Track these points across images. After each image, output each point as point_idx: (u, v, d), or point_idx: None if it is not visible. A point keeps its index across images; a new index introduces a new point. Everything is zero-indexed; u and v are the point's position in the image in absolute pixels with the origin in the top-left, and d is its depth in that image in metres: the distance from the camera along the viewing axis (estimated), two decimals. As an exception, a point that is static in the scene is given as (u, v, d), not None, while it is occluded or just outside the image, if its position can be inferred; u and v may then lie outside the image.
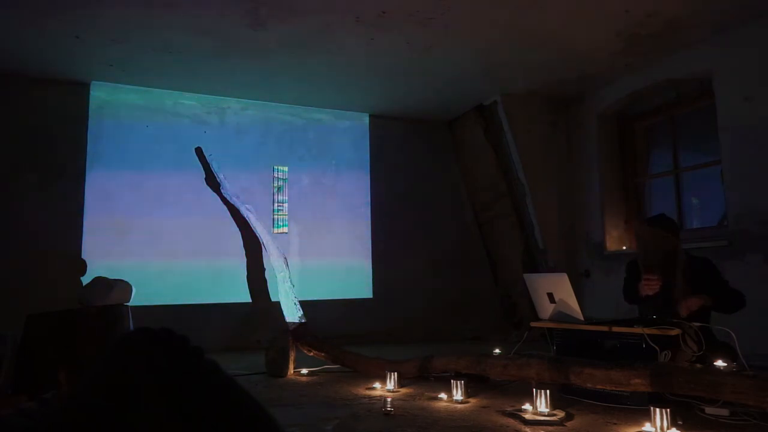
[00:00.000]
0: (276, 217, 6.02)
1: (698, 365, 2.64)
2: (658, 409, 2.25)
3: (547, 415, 2.53)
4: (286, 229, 6.01)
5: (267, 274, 4.57)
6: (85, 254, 5.10)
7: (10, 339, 2.88)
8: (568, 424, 2.47)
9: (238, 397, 0.88)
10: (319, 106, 6.26)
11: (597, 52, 4.84)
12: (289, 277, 4.46)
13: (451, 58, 4.92)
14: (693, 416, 2.47)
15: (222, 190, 4.65)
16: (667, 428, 2.22)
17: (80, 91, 5.36)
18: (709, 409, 2.49)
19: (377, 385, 3.38)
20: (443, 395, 3.00)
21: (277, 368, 3.92)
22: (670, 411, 2.25)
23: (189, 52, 4.71)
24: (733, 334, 2.75)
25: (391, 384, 3.30)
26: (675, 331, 2.74)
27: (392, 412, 2.70)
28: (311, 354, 4.09)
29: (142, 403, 0.80)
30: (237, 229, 4.63)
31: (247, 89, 5.69)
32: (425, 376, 3.52)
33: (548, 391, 2.60)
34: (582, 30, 4.42)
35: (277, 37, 4.44)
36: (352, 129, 6.50)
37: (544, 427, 2.44)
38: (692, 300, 2.95)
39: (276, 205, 6.05)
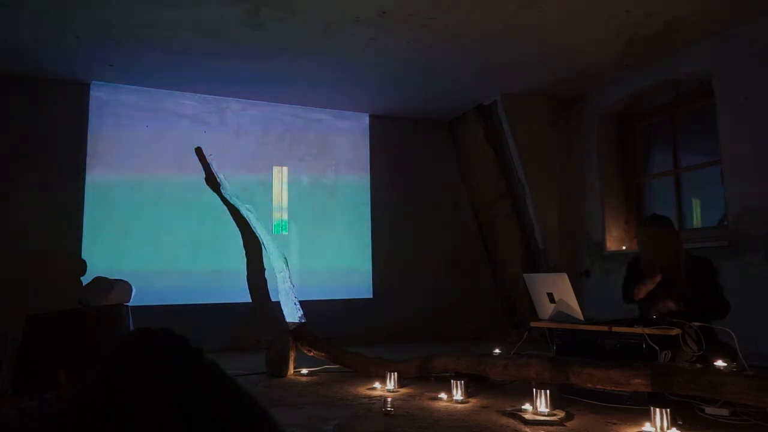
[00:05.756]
0: (276, 217, 6.02)
1: (698, 365, 2.64)
2: (658, 409, 2.25)
3: (547, 415, 2.53)
4: (285, 233, 6.02)
5: (267, 274, 4.57)
6: (85, 254, 5.10)
7: (10, 339, 2.88)
8: (568, 424, 2.47)
9: (238, 397, 0.88)
10: (319, 106, 6.26)
11: (597, 51, 4.84)
12: (289, 277, 4.46)
13: (451, 58, 4.92)
14: (693, 416, 2.47)
15: (222, 190, 4.65)
16: (667, 428, 2.22)
17: (80, 91, 5.36)
18: (709, 409, 2.49)
19: (377, 385, 3.37)
20: (443, 395, 3.00)
21: (277, 368, 3.92)
22: (670, 411, 2.25)
23: (189, 52, 4.71)
24: (733, 334, 2.75)
25: (391, 384, 3.30)
26: (675, 331, 2.74)
27: (392, 412, 2.70)
28: (311, 354, 4.09)
29: (143, 402, 0.80)
30: (237, 229, 4.63)
31: (247, 89, 5.68)
32: (425, 376, 3.52)
33: (548, 391, 2.60)
34: (582, 30, 4.42)
35: (277, 37, 4.45)
36: (352, 129, 6.49)
37: (544, 427, 2.44)
38: (665, 304, 3.01)
39: (276, 205, 6.06)
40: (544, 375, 2.86)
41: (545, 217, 5.91)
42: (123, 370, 0.83)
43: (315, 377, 3.86)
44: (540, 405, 2.57)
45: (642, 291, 3.10)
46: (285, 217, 6.07)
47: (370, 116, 6.54)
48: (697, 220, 5.29)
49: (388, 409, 2.71)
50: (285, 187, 6.13)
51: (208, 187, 4.69)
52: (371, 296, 6.27)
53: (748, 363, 2.70)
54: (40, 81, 5.19)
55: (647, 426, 2.27)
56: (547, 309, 3.21)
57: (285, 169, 6.15)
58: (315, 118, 6.31)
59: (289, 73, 5.25)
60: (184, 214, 5.61)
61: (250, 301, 4.65)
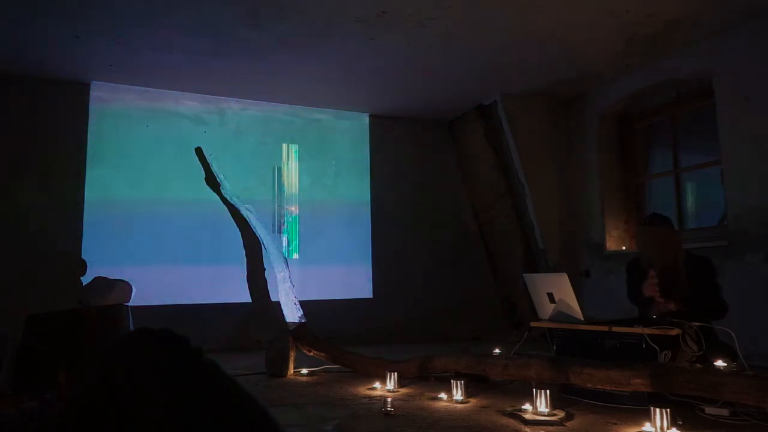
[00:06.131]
0: (279, 218, 6.03)
1: (698, 365, 2.64)
2: (658, 409, 2.25)
3: (547, 415, 2.53)
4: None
5: (267, 274, 4.57)
6: (85, 254, 5.09)
7: (10, 339, 2.88)
8: (568, 424, 2.47)
9: (238, 397, 0.88)
10: (319, 106, 6.26)
11: (597, 51, 4.84)
12: (289, 277, 4.46)
13: (451, 58, 4.92)
14: (693, 416, 2.47)
15: (222, 190, 4.65)
16: (667, 428, 2.22)
17: (80, 91, 5.36)
18: (709, 409, 2.49)
19: (377, 385, 3.38)
20: (443, 395, 3.00)
21: (277, 368, 3.92)
22: (670, 411, 2.25)
23: (189, 52, 4.71)
24: (733, 334, 2.74)
25: (391, 384, 3.30)
26: (675, 331, 2.74)
27: (392, 412, 2.70)
28: (311, 354, 4.09)
29: (143, 402, 0.80)
30: (237, 229, 4.63)
31: (247, 89, 5.68)
32: (425, 376, 3.52)
33: (548, 391, 2.60)
34: (582, 30, 4.42)
35: (277, 37, 4.45)
36: (352, 129, 6.49)
37: (544, 427, 2.44)
38: (665, 304, 3.00)
39: (277, 207, 6.07)
40: (544, 375, 2.86)
41: (545, 217, 5.91)
42: (123, 370, 0.83)
43: (315, 377, 3.86)
44: (540, 405, 2.57)
45: (654, 290, 3.07)
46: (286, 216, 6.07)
47: (370, 116, 6.54)
48: (695, 218, 5.29)
49: (388, 409, 2.71)
50: (285, 186, 6.12)
51: (208, 187, 4.69)
52: (371, 296, 6.27)
53: (748, 363, 2.69)
54: (40, 81, 5.18)
55: (647, 426, 2.27)
56: (547, 309, 3.21)
57: (285, 168, 6.15)
58: (315, 118, 6.31)
59: (289, 73, 5.25)
60: (184, 214, 5.61)
61: (250, 301, 4.65)
